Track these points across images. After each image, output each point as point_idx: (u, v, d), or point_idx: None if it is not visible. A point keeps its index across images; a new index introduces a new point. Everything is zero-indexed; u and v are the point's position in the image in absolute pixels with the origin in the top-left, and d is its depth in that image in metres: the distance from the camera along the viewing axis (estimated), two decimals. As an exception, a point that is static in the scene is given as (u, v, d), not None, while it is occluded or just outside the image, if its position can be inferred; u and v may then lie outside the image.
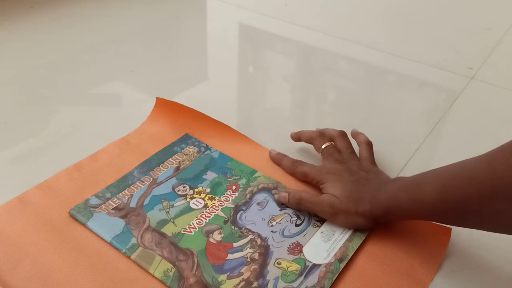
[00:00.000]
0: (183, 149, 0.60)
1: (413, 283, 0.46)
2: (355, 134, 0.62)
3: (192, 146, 0.61)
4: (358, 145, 0.59)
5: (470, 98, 0.77)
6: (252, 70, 0.87)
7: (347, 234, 0.50)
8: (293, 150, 0.63)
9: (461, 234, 0.51)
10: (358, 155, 0.58)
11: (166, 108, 0.66)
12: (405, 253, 0.49)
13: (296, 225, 0.51)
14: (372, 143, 0.59)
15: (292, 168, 0.57)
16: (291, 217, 0.52)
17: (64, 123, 0.66)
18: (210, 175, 0.56)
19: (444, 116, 0.73)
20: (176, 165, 0.58)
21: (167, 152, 0.60)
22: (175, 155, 0.59)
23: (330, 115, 0.75)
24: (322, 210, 0.51)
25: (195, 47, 0.91)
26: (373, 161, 0.57)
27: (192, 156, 0.59)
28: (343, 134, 0.59)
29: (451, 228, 0.51)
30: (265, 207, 0.53)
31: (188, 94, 0.75)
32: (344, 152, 0.56)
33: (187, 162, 0.58)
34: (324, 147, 0.57)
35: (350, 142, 0.58)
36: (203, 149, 0.61)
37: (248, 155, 0.60)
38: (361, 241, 0.49)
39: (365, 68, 0.88)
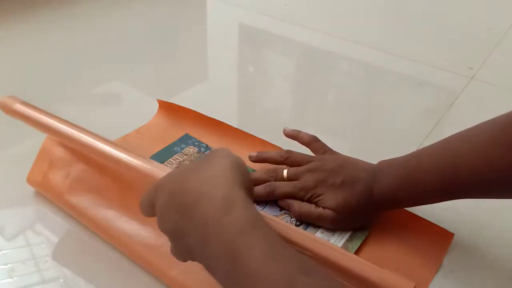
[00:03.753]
0: (183, 149, 0.60)
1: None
2: (293, 136, 0.57)
3: (192, 146, 0.61)
4: (307, 146, 0.56)
5: (470, 98, 0.77)
6: (252, 70, 0.87)
7: (347, 235, 0.50)
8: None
9: (461, 234, 0.51)
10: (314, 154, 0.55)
11: (167, 109, 0.66)
12: (405, 254, 0.49)
13: (296, 226, 0.51)
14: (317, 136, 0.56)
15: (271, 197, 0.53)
16: (291, 218, 0.52)
17: (64, 123, 0.66)
18: (210, 175, 0.56)
19: (444, 116, 0.72)
20: (176, 165, 0.58)
21: (167, 152, 0.60)
22: (175, 155, 0.59)
23: (330, 115, 0.75)
24: (323, 225, 0.50)
25: (195, 47, 0.91)
26: (331, 150, 0.54)
27: (192, 156, 0.59)
28: (287, 152, 0.54)
29: (453, 234, 0.51)
30: (265, 207, 0.53)
31: (188, 94, 0.75)
32: (304, 162, 0.53)
33: (187, 162, 0.58)
34: (286, 175, 0.53)
35: (298, 154, 0.54)
36: (203, 149, 0.61)
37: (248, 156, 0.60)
38: (361, 241, 0.49)
39: (365, 68, 0.88)
